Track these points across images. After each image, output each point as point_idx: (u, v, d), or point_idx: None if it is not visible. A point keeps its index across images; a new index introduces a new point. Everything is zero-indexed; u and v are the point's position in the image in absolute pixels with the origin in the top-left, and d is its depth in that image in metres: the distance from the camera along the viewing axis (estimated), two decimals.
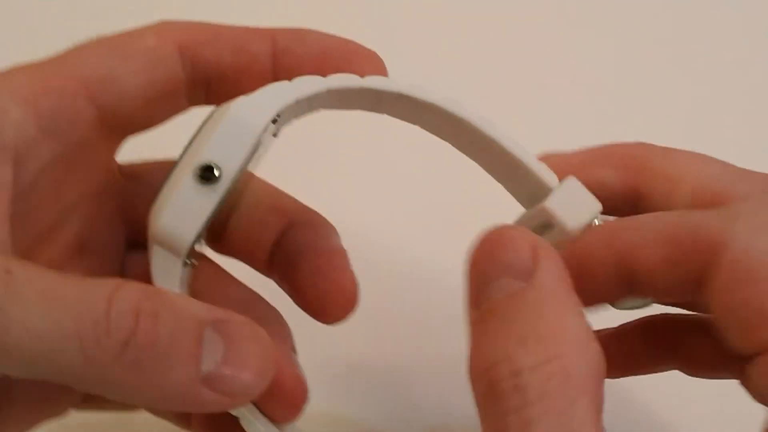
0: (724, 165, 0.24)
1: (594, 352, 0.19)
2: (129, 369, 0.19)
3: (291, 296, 0.26)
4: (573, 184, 0.24)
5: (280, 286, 0.26)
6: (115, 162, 0.25)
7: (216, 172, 0.21)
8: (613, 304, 0.25)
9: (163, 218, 0.21)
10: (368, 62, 0.24)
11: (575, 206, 0.24)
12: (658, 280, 0.23)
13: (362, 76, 0.23)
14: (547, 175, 0.24)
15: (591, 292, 0.23)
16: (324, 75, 0.23)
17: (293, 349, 0.26)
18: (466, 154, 0.25)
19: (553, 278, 0.20)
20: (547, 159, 0.25)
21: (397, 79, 0.23)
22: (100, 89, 0.23)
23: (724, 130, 0.42)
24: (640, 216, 0.24)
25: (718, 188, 0.23)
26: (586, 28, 0.46)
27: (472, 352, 0.20)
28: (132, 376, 0.19)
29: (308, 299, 0.25)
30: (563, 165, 0.25)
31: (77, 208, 0.24)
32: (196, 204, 0.22)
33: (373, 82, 0.23)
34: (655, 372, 0.28)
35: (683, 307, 0.26)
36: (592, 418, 0.18)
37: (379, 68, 0.24)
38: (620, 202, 0.25)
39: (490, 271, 0.20)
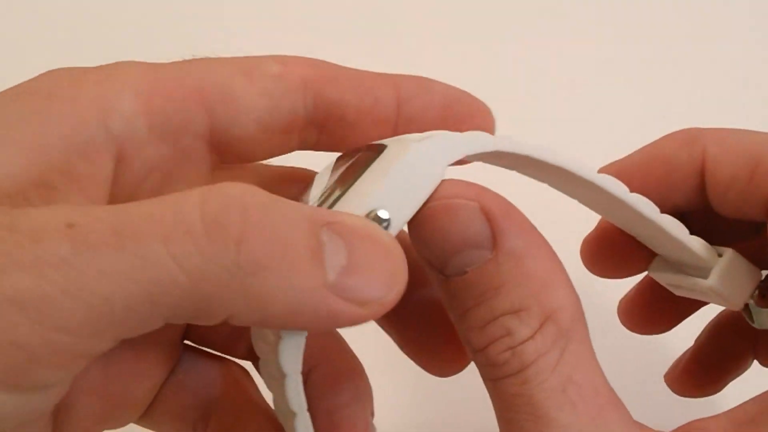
0: None
1: (573, 294, 0.20)
2: (250, 274, 0.16)
3: (399, 343, 0.25)
4: (733, 257, 0.25)
5: (387, 332, 0.25)
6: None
7: (384, 224, 0.19)
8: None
9: None
10: (484, 118, 0.24)
11: (737, 281, 0.24)
12: (732, 194, 0.24)
13: (478, 129, 0.21)
14: (702, 251, 0.24)
15: (667, 195, 0.25)
16: (447, 127, 0.22)
17: (371, 413, 0.25)
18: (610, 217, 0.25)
19: (521, 240, 0.20)
20: (609, 168, 0.26)
21: (558, 152, 0.22)
22: (218, 101, 0.21)
23: None
24: (720, 130, 0.25)
25: None
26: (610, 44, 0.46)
27: (459, 325, 0.21)
28: (255, 283, 0.16)
29: (420, 351, 0.23)
30: (625, 169, 0.26)
31: None
32: None
33: (543, 154, 0.21)
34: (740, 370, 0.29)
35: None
36: (586, 356, 0.20)
37: (490, 124, 0.24)
38: (689, 174, 0.25)
39: (449, 247, 0.20)
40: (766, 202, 0.24)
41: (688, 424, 0.22)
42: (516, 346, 0.20)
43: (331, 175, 0.22)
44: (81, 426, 0.22)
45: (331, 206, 0.19)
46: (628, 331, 0.30)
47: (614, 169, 0.25)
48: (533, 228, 0.20)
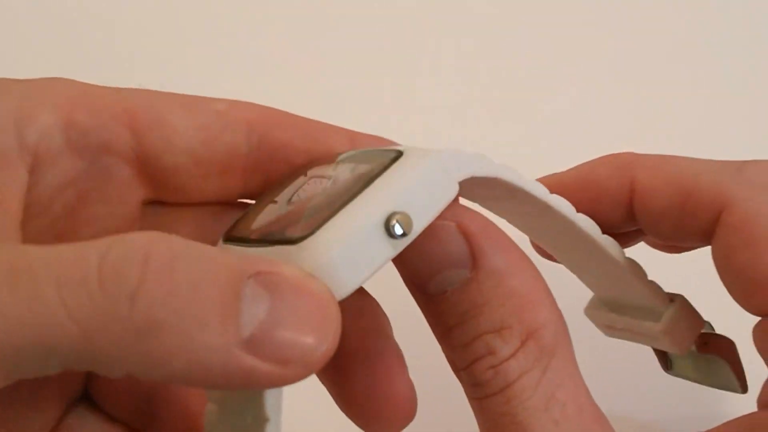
0: (713, 161, 0.25)
1: (556, 311, 0.20)
2: (145, 331, 0.15)
3: (335, 398, 0.22)
4: (685, 303, 0.25)
5: (322, 382, 0.23)
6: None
7: (403, 229, 0.18)
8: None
9: (335, 252, 0.17)
10: None
11: (684, 327, 0.25)
12: (664, 224, 0.24)
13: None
14: (657, 295, 0.25)
15: (598, 218, 0.25)
16: None
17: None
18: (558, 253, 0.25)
19: (500, 258, 0.19)
20: (545, 180, 0.26)
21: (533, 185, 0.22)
22: (148, 127, 0.20)
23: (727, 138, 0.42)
24: (651, 156, 0.25)
25: (710, 181, 0.24)
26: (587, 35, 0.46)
27: (442, 343, 0.21)
28: (150, 341, 0.15)
29: (359, 409, 0.22)
30: (559, 183, 0.26)
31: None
32: (373, 253, 0.18)
33: (534, 188, 0.22)
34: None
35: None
36: (569, 374, 0.20)
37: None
38: (618, 201, 0.25)
39: (429, 268, 0.20)
40: (699, 231, 0.24)
41: None
42: (498, 365, 0.20)
43: (315, 177, 0.21)
44: None
45: (339, 208, 0.18)
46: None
47: (551, 182, 0.25)
48: (513, 245, 0.20)
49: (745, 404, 0.24)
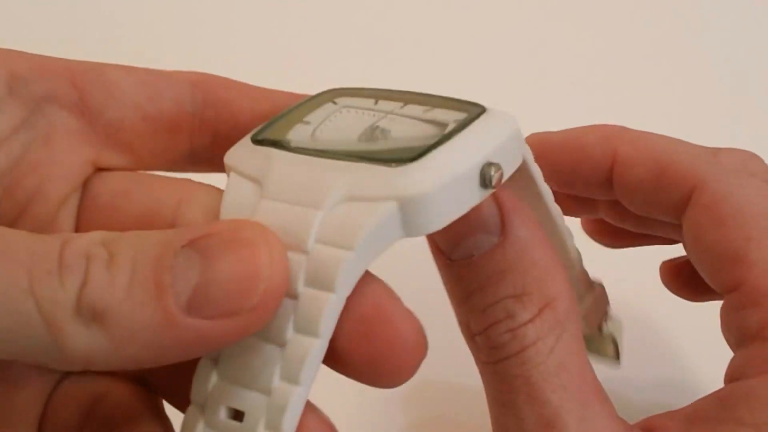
0: (692, 144, 0.26)
1: (570, 288, 0.21)
2: (91, 322, 0.16)
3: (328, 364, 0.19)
4: (603, 291, 0.27)
5: None
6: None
7: (495, 180, 0.18)
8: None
9: (437, 184, 0.18)
10: None
11: (596, 311, 0.27)
12: (638, 195, 0.26)
13: None
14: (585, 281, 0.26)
15: (576, 182, 0.27)
16: None
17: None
18: None
19: (527, 230, 0.21)
20: (534, 137, 0.27)
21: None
22: (90, 82, 0.20)
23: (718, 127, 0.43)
24: (637, 131, 0.27)
25: (685, 160, 0.25)
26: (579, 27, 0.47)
27: (460, 308, 0.22)
28: (98, 330, 0.16)
29: (356, 368, 0.19)
30: (546, 141, 0.27)
31: (35, 201, 0.20)
32: (464, 197, 0.18)
33: (537, 173, 0.23)
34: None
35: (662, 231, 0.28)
36: (578, 348, 0.21)
37: None
38: (599, 166, 0.27)
39: (461, 230, 0.20)
40: (670, 206, 0.25)
41: (647, 420, 0.23)
42: (517, 329, 0.21)
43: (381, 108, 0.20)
44: None
45: (437, 144, 0.18)
46: None
47: (535, 140, 0.27)
48: (537, 223, 0.21)
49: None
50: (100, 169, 0.21)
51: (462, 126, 0.19)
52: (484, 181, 0.19)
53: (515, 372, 0.21)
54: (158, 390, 0.23)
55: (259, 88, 0.22)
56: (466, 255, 0.21)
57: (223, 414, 0.18)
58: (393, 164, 0.18)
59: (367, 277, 0.19)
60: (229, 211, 0.19)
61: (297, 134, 0.20)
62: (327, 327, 0.18)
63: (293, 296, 0.18)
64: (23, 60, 0.20)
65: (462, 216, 0.19)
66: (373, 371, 0.19)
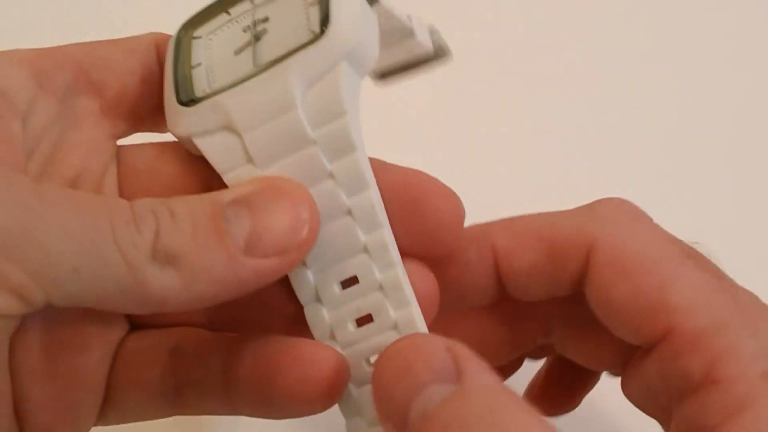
0: (562, 211, 0.25)
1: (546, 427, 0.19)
2: (165, 264, 0.19)
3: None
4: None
5: None
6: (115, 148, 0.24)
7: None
8: None
9: (351, 32, 0.21)
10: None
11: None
12: (533, 281, 0.24)
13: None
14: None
15: (467, 293, 0.25)
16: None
17: None
18: None
19: (482, 375, 0.19)
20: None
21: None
22: (89, 63, 0.22)
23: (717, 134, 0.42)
24: (514, 218, 0.25)
25: (569, 227, 0.24)
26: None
27: None
28: (173, 271, 0.19)
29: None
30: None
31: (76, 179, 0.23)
32: (372, 21, 0.22)
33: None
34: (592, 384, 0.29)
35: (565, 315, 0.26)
36: None
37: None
38: (482, 275, 0.25)
39: (413, 384, 0.19)
40: (570, 279, 0.24)
41: None
42: None
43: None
44: (42, 421, 0.21)
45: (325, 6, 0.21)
46: None
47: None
48: (492, 369, 0.19)
49: None
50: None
51: None
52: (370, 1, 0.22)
53: None
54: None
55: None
56: (421, 413, 0.18)
57: (337, 289, 0.22)
58: (316, 41, 0.21)
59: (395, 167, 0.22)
60: (223, 162, 0.21)
61: (209, 78, 0.23)
62: (369, 175, 0.21)
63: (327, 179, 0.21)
64: (35, 56, 0.22)
65: (416, 369, 0.19)
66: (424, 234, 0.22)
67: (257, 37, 0.22)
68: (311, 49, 0.21)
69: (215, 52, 0.23)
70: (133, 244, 0.18)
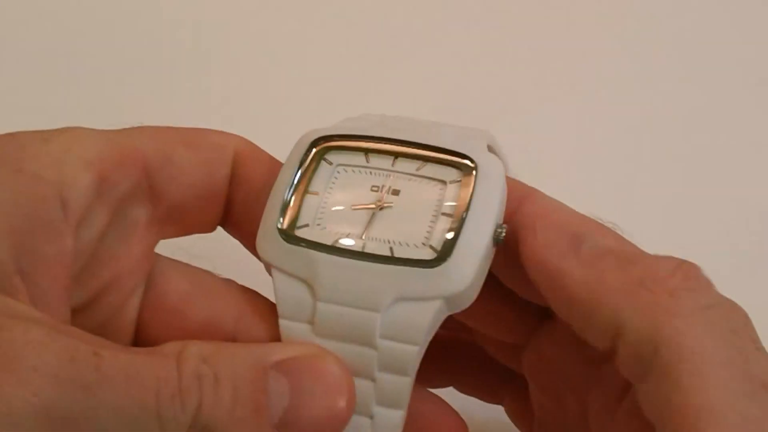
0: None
1: None
2: None
3: None
4: None
5: None
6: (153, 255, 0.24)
7: (503, 235, 0.22)
8: None
9: (464, 280, 0.21)
10: None
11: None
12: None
13: None
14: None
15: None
16: None
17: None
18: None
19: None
20: None
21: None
22: (157, 168, 0.22)
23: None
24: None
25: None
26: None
27: None
28: None
29: None
30: None
31: (115, 284, 0.23)
32: (488, 261, 0.22)
33: None
34: (434, 387, 0.28)
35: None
36: None
37: None
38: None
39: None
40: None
41: None
42: None
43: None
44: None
45: (457, 228, 0.21)
46: None
47: None
48: None
49: None
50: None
51: (465, 202, 0.22)
52: (496, 242, 0.22)
53: None
54: None
55: (273, 159, 0.24)
56: None
57: None
58: (429, 266, 0.21)
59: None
60: (287, 309, 0.22)
61: (308, 212, 0.23)
62: (407, 400, 0.22)
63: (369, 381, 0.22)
64: (109, 158, 0.21)
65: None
66: None
67: (380, 207, 0.22)
68: (419, 272, 0.21)
69: (336, 191, 0.23)
70: (174, 419, 0.18)
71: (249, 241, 0.24)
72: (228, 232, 0.25)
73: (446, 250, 0.21)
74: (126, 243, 0.22)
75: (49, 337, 0.18)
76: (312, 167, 0.23)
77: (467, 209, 0.22)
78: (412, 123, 0.24)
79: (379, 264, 0.21)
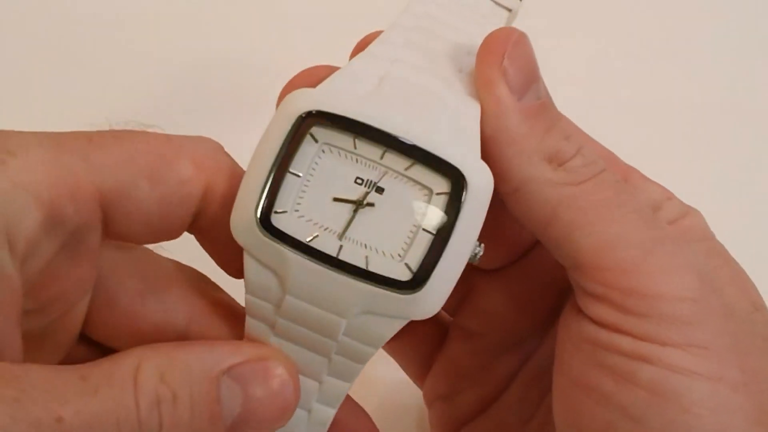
0: None
1: None
2: None
3: None
4: None
5: None
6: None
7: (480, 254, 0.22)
8: None
9: (435, 306, 0.22)
10: None
11: None
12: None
13: None
14: None
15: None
16: None
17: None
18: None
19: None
20: None
21: None
22: (114, 203, 0.22)
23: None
24: None
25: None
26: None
27: None
28: None
29: None
30: None
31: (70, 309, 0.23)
32: (453, 284, 0.22)
33: None
34: None
35: None
36: None
37: None
38: None
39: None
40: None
41: None
42: None
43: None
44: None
45: (435, 255, 0.21)
46: None
47: None
48: None
49: None
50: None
51: (450, 223, 0.21)
52: (472, 261, 0.22)
53: None
54: None
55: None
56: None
57: None
58: (402, 291, 0.21)
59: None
60: (255, 289, 0.22)
61: (287, 196, 0.22)
62: (341, 400, 0.24)
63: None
64: (62, 192, 0.20)
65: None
66: None
67: (363, 204, 0.22)
68: (391, 295, 0.21)
69: (318, 176, 0.22)
70: None
71: (216, 252, 0.24)
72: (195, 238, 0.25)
73: (422, 275, 0.21)
74: (75, 264, 0.22)
75: (11, 418, 0.18)
76: (297, 141, 0.22)
77: (450, 232, 0.21)
78: (415, 95, 0.23)
79: (352, 278, 0.21)
